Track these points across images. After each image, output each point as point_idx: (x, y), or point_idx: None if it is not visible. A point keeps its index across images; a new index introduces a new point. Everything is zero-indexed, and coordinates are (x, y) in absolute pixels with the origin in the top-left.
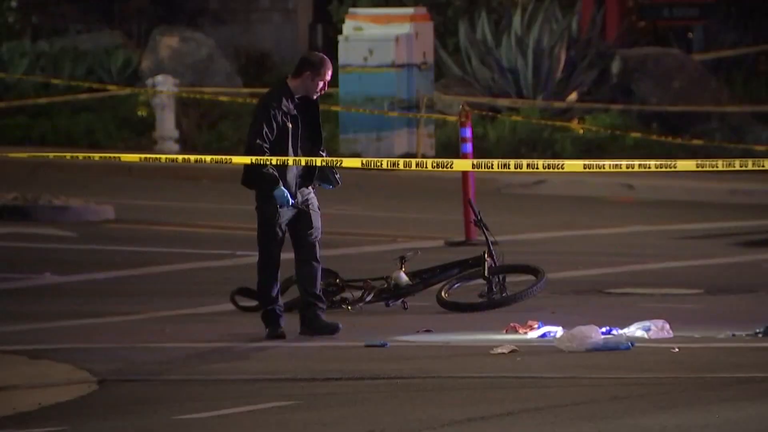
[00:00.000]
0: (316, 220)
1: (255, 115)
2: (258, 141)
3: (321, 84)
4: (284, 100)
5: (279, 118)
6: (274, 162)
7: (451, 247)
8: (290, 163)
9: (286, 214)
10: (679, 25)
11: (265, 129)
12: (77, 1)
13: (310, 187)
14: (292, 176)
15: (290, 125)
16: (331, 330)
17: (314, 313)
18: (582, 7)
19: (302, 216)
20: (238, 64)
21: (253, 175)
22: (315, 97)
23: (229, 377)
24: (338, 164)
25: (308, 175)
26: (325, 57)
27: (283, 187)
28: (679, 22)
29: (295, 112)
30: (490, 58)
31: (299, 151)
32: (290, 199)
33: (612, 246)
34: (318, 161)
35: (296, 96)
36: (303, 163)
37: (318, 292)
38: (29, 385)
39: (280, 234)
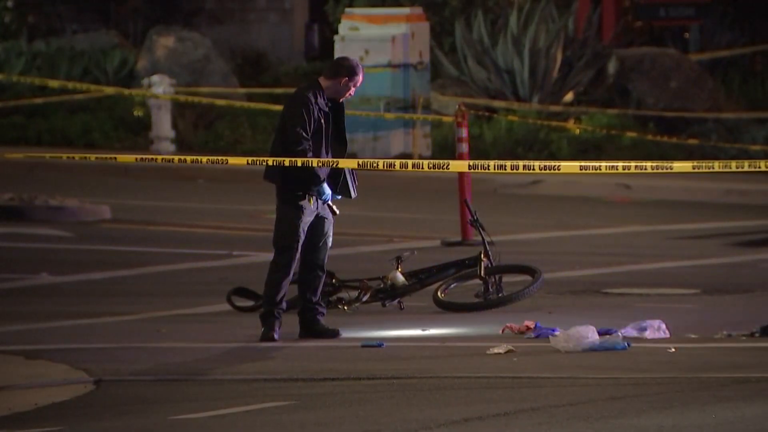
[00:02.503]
0: (329, 228)
1: (292, 110)
2: (300, 131)
3: (352, 90)
4: (318, 97)
5: (315, 113)
6: (298, 162)
7: (448, 247)
8: (286, 164)
9: (307, 218)
10: (676, 25)
11: (306, 122)
12: (73, 2)
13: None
14: (323, 176)
15: (323, 122)
16: (331, 335)
17: (314, 317)
18: (578, 7)
19: (317, 222)
20: (235, 64)
21: (298, 173)
22: (341, 100)
23: (225, 377)
24: (334, 165)
25: (334, 180)
26: (359, 63)
27: (326, 185)
28: (675, 22)
29: (327, 109)
30: (487, 58)
31: (329, 151)
32: (330, 196)
33: (608, 246)
34: (315, 162)
35: (326, 96)
36: (299, 164)
37: (318, 299)
38: (25, 385)
39: (301, 237)
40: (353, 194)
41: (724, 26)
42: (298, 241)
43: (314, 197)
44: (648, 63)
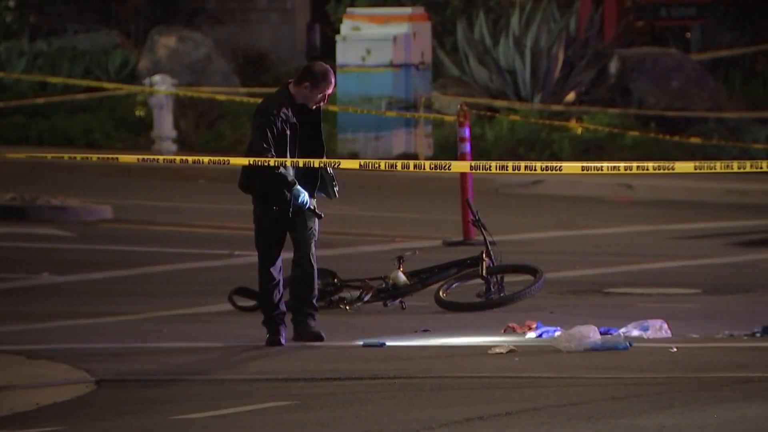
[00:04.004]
0: (314, 224)
1: (255, 122)
2: (265, 145)
3: (320, 96)
4: (284, 107)
5: (279, 125)
6: (272, 163)
7: (449, 247)
8: (288, 164)
9: (283, 217)
10: (677, 25)
11: (268, 135)
12: (75, 1)
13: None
14: (291, 178)
15: (289, 132)
16: (318, 338)
17: (302, 319)
18: (580, 7)
19: (300, 219)
20: (236, 63)
21: (257, 179)
22: (313, 107)
23: (226, 377)
24: (336, 165)
25: (309, 183)
26: (328, 71)
27: (300, 187)
28: (677, 22)
29: (294, 120)
30: (488, 58)
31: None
32: (307, 200)
33: (610, 246)
34: (316, 162)
35: (297, 102)
36: (301, 165)
37: (311, 299)
38: (27, 385)
39: (279, 236)
40: (334, 195)
41: (725, 26)
42: (277, 241)
43: (281, 207)
44: (649, 63)
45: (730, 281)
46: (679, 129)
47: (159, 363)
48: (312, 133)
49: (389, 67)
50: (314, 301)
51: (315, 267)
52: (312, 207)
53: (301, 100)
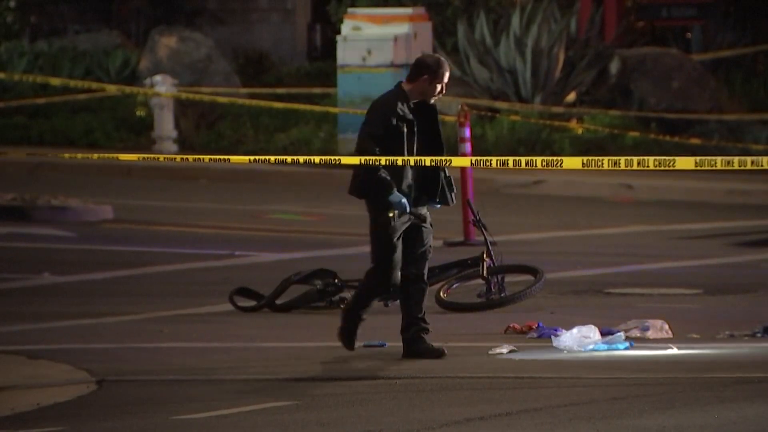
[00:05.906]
0: (428, 237)
1: (367, 118)
2: (371, 143)
3: (439, 87)
4: (399, 103)
5: (394, 122)
6: (383, 162)
7: (450, 247)
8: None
9: (401, 225)
10: (678, 25)
11: (379, 132)
12: (75, 1)
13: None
14: (405, 185)
15: (405, 129)
16: (437, 355)
17: (417, 335)
18: (580, 7)
19: (415, 231)
20: (237, 64)
21: (365, 182)
22: (432, 101)
23: (227, 377)
24: (336, 163)
25: (427, 189)
26: (441, 59)
27: (398, 193)
28: (678, 22)
29: (411, 116)
30: (489, 59)
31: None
32: (407, 205)
33: (611, 246)
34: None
35: (412, 101)
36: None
37: (422, 314)
38: (28, 385)
39: (398, 245)
40: (453, 201)
41: (726, 26)
42: (397, 249)
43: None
44: (650, 63)
45: (731, 281)
46: (680, 130)
47: (159, 363)
48: (430, 132)
49: (390, 67)
50: (425, 316)
51: (427, 285)
52: (418, 213)
53: (418, 96)
